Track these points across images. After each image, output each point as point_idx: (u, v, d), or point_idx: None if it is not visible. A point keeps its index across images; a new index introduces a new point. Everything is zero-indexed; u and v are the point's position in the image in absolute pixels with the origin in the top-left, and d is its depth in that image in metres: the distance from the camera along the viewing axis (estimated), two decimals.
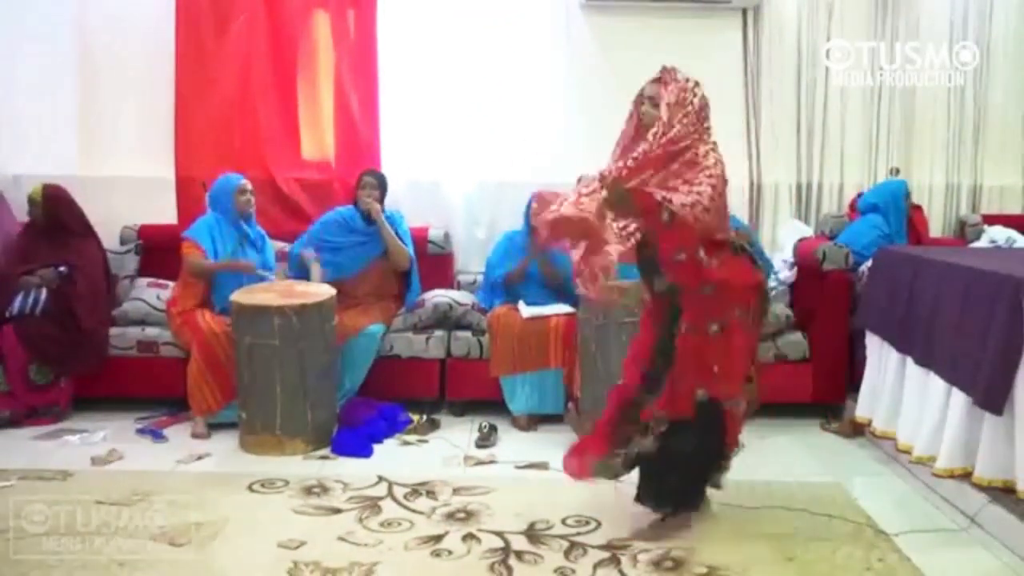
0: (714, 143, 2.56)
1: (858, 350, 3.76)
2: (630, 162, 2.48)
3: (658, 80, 2.60)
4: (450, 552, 2.55)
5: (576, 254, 2.53)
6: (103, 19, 4.52)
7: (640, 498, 2.70)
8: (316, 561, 2.45)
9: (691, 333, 2.56)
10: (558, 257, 4.13)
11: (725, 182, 2.54)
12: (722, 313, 2.56)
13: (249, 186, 3.97)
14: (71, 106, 4.56)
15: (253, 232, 4.00)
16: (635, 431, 2.64)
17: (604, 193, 2.44)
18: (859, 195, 4.68)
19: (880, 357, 3.48)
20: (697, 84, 2.57)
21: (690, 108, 2.51)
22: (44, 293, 3.80)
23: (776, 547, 2.59)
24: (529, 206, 4.00)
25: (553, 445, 3.55)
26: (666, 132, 2.48)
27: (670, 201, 2.43)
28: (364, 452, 3.45)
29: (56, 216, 3.99)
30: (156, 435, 3.63)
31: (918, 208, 4.50)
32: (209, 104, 4.49)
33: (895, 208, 4.30)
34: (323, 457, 3.42)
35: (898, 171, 4.69)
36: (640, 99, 2.62)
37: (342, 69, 4.55)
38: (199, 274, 3.86)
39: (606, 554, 2.53)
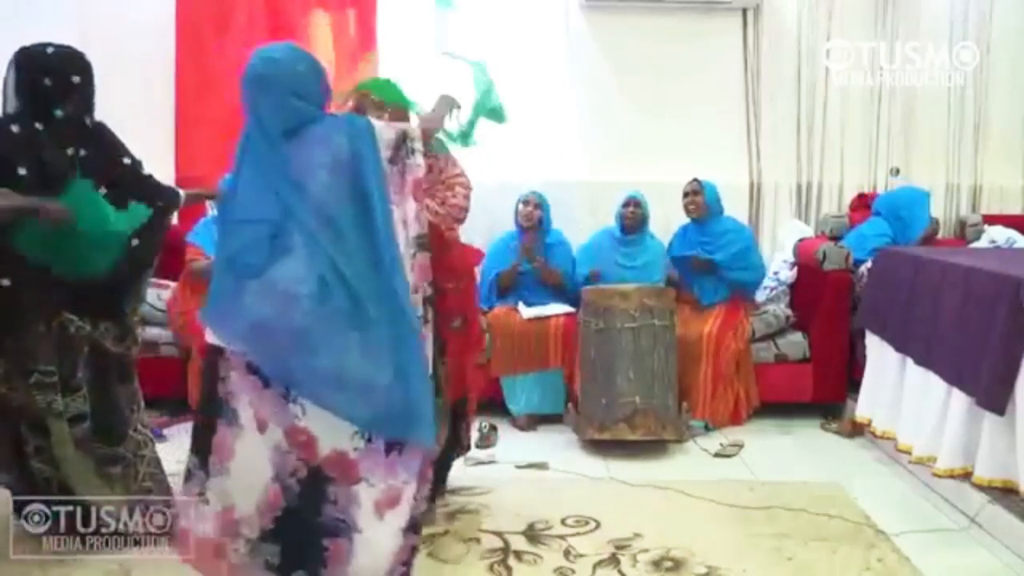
0: None
1: (858, 350, 3.76)
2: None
3: None
4: (450, 552, 2.55)
5: None
6: (103, 19, 4.50)
7: None
8: None
9: (460, 327, 2.81)
10: (556, 258, 4.14)
11: None
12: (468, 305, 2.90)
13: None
14: None
15: None
16: None
17: None
18: (860, 195, 4.67)
19: (880, 357, 3.48)
20: None
21: None
22: None
23: (776, 547, 2.59)
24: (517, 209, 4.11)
25: (553, 445, 3.56)
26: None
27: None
28: None
29: None
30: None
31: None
32: (209, 104, 4.47)
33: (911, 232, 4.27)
34: None
35: (898, 171, 4.69)
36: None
37: (342, 69, 4.55)
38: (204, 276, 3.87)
39: (606, 554, 2.53)
